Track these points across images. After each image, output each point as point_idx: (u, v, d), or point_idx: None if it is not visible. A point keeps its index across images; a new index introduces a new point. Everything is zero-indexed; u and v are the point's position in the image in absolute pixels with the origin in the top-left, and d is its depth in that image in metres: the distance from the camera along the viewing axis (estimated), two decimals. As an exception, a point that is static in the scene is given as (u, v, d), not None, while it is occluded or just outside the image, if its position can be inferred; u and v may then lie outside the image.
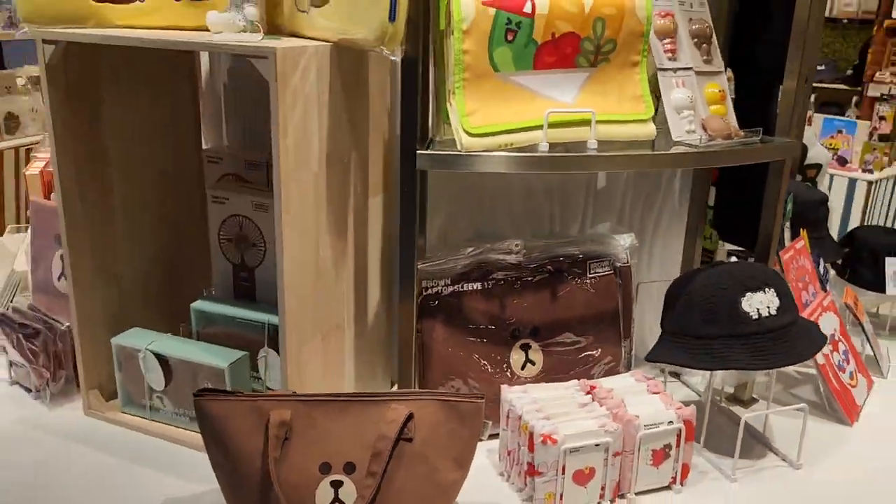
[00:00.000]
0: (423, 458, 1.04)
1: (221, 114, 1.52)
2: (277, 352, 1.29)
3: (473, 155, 1.10)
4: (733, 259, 1.62)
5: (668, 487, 1.22)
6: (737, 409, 1.46)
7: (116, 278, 1.37)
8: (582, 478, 1.14)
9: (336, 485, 1.02)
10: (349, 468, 1.02)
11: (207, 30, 1.27)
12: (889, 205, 3.32)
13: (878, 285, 1.76)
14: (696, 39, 1.30)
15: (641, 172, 1.49)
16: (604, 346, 1.37)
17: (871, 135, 3.12)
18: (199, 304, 1.34)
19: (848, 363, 1.50)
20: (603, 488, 1.16)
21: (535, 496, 1.14)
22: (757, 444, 1.35)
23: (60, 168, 1.23)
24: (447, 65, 1.12)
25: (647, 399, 1.23)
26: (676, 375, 1.57)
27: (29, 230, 1.52)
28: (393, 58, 1.05)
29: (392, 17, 1.01)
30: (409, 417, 1.03)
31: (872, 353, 1.63)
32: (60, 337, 1.37)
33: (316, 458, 1.03)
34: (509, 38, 1.11)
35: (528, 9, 1.11)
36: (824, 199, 1.84)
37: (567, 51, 1.15)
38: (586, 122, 1.16)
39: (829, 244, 1.83)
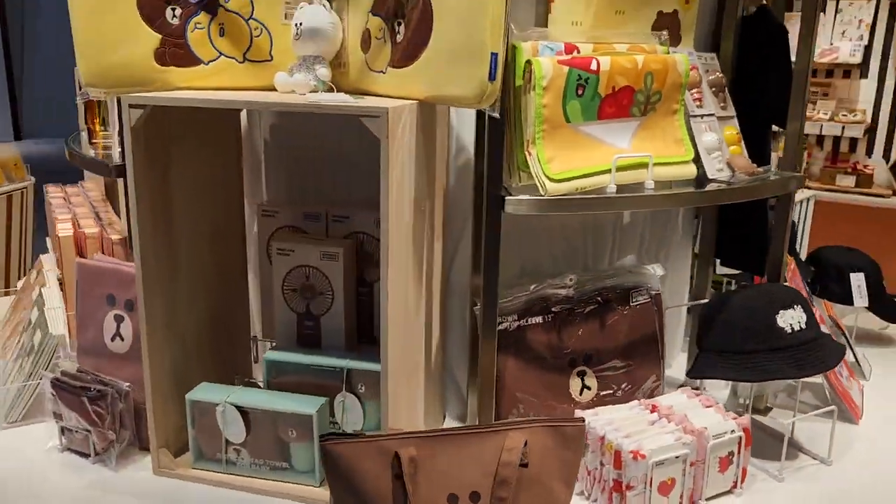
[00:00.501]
0: (539, 481, 1.11)
1: (262, 169, 1.56)
2: (355, 395, 1.34)
3: (556, 198, 1.21)
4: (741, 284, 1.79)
5: (730, 492, 1.34)
6: (758, 418, 1.61)
7: (180, 334, 1.37)
8: (665, 489, 1.25)
9: (464, 514, 1.08)
10: (475, 497, 1.08)
11: (267, 89, 1.33)
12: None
13: (845, 299, 1.98)
14: (713, 88, 1.47)
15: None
16: (648, 367, 1.49)
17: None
18: (271, 355, 1.36)
19: (843, 369, 1.69)
20: (681, 497, 1.27)
21: (626, 509, 1.23)
22: (786, 446, 1.50)
23: (140, 228, 1.24)
24: (526, 118, 1.22)
25: (704, 412, 1.35)
26: (696, 389, 1.71)
27: (73, 291, 1.49)
28: (493, 114, 1.15)
29: (492, 76, 1.11)
30: (525, 444, 1.11)
31: (855, 360, 1.83)
32: (124, 398, 1.36)
33: (443, 491, 1.08)
34: (579, 92, 1.23)
35: (594, 66, 1.23)
36: (792, 224, 2.05)
37: (624, 102, 1.29)
38: (643, 165, 1.30)
39: (799, 264, 2.04)
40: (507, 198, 1.21)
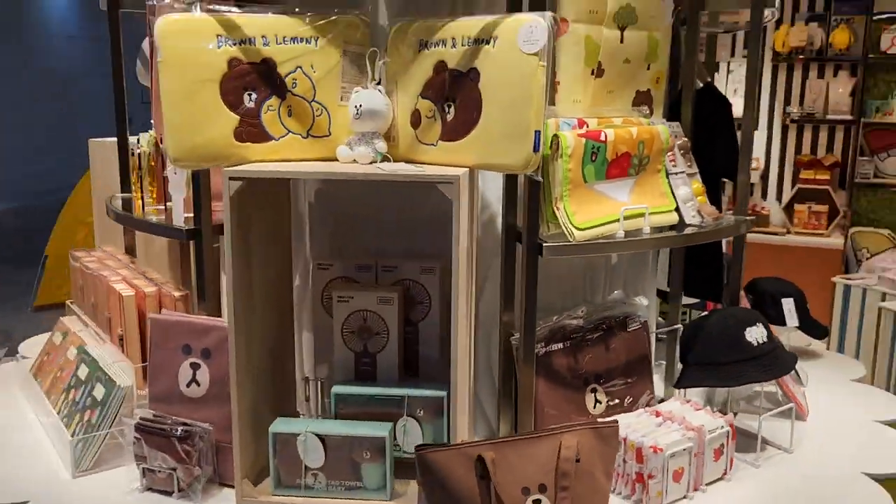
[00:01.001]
0: (589, 473, 1.37)
1: (306, 228, 1.78)
2: (415, 419, 1.57)
3: (581, 243, 1.50)
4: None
5: (721, 478, 1.64)
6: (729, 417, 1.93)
7: (253, 375, 1.56)
8: (677, 476, 1.53)
9: (536, 502, 1.32)
10: (542, 488, 1.33)
11: (326, 159, 1.57)
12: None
13: (779, 321, 2.36)
14: (682, 151, 1.81)
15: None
16: (643, 383, 1.79)
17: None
18: (338, 389, 1.57)
19: (788, 376, 2.04)
20: (688, 483, 1.56)
21: (649, 495, 1.51)
22: (753, 440, 1.82)
23: (235, 285, 1.44)
24: (553, 180, 1.51)
25: (696, 414, 1.66)
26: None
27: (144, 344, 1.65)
28: (536, 178, 1.43)
29: (536, 149, 1.39)
30: (576, 443, 1.37)
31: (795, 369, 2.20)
32: (207, 436, 1.53)
33: (517, 485, 1.32)
34: (593, 158, 1.54)
35: (603, 137, 1.54)
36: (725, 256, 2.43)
37: (624, 165, 1.60)
38: (640, 215, 1.61)
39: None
40: (545, 244, 1.48)
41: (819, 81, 5.39)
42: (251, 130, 1.54)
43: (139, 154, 1.90)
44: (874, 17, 5.05)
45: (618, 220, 1.56)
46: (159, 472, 1.54)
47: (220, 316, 1.71)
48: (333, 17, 1.58)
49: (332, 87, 1.59)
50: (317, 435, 1.50)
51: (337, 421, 1.55)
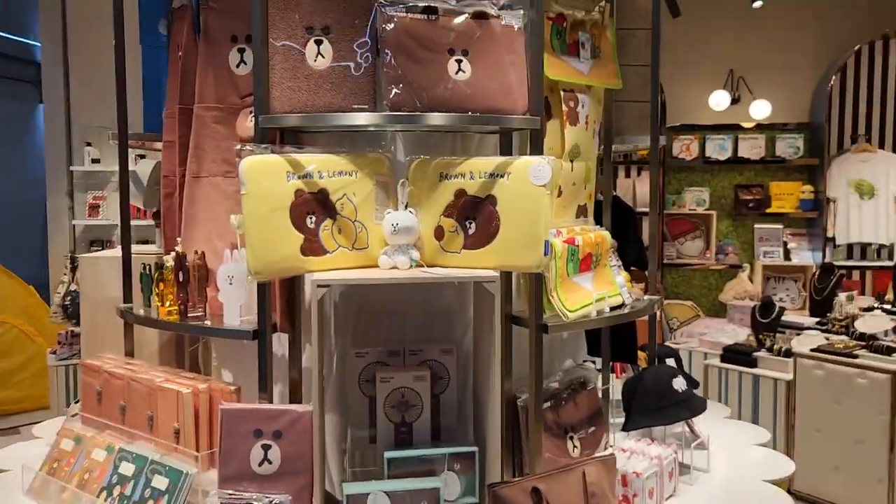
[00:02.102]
0: (605, 495, 1.83)
1: (331, 323, 2.12)
2: (454, 472, 1.94)
3: (573, 322, 2.00)
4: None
5: (673, 494, 2.16)
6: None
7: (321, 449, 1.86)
8: (651, 494, 2.03)
9: (575, 520, 1.75)
10: (577, 509, 1.77)
11: (365, 267, 1.96)
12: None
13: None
14: (613, 249, 2.40)
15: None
16: (601, 428, 2.29)
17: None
18: (390, 454, 1.91)
19: (688, 418, 2.64)
20: (657, 499, 2.06)
21: (635, 511, 1.99)
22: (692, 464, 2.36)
23: (317, 375, 1.76)
24: (549, 275, 2.00)
25: (651, 448, 2.18)
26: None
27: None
28: (546, 273, 1.91)
29: (546, 253, 1.89)
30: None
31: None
32: (288, 505, 1.80)
33: (560, 508, 1.75)
34: (572, 258, 2.06)
35: (577, 242, 2.08)
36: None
37: (588, 262, 2.14)
38: (601, 299, 2.15)
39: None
40: (549, 324, 1.96)
41: (627, 180, 6.48)
42: (312, 246, 1.90)
43: (162, 267, 2.14)
44: (668, 127, 6.24)
45: (591, 304, 2.09)
46: (245, 542, 1.77)
47: (269, 401, 1.98)
48: (366, 155, 2.00)
49: (369, 209, 1.99)
50: (385, 492, 1.82)
51: (393, 481, 1.88)
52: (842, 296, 4.82)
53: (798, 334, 4.53)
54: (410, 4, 1.91)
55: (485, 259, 1.93)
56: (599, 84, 2.32)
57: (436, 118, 1.87)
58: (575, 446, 2.19)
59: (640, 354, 2.72)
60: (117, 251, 2.59)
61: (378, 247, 1.98)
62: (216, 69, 2.12)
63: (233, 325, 2.00)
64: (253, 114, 2.00)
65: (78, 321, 4.70)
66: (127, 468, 1.99)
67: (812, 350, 4.11)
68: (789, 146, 6.39)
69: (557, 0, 2.19)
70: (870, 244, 6.48)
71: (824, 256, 6.23)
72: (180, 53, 2.23)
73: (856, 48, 6.30)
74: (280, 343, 2.18)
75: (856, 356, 3.93)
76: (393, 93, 1.87)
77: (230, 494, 1.81)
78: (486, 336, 1.92)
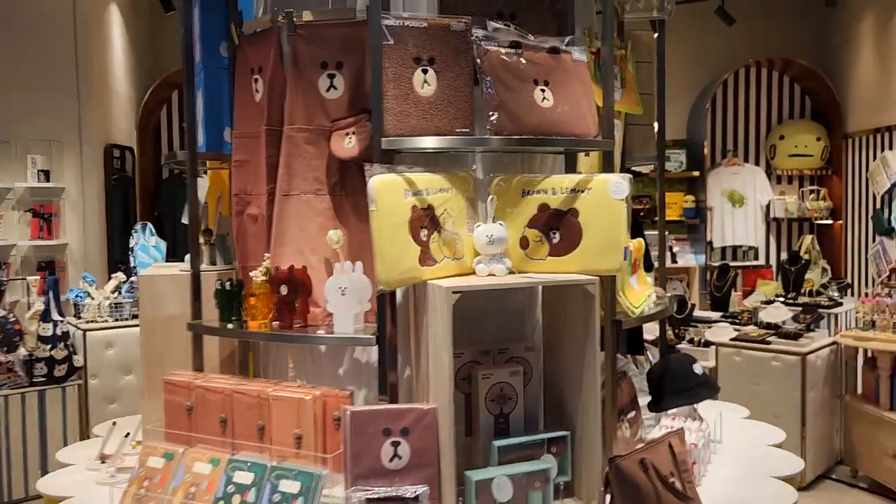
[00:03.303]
0: (685, 462, 2.15)
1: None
2: (552, 455, 2.19)
3: (636, 317, 2.31)
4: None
5: (710, 462, 2.52)
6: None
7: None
8: (694, 465, 2.38)
9: (672, 483, 2.05)
10: (672, 474, 2.07)
11: (461, 275, 2.17)
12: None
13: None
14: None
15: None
16: (639, 412, 2.61)
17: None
18: (499, 443, 2.11)
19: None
20: (701, 465, 2.41)
21: (694, 476, 2.32)
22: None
23: (427, 371, 1.94)
24: (617, 277, 2.30)
25: (687, 424, 2.53)
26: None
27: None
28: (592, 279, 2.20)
29: (625, 258, 2.18)
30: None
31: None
32: (426, 495, 1.96)
33: (664, 473, 2.04)
34: (625, 259, 2.37)
35: (630, 248, 2.39)
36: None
37: (635, 265, 2.46)
38: (650, 296, 2.47)
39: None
40: (623, 320, 2.26)
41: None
42: (426, 257, 2.08)
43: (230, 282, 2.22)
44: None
45: (644, 301, 2.41)
46: (389, 532, 1.91)
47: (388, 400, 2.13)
48: (458, 174, 2.21)
49: (462, 222, 2.20)
50: (507, 476, 2.03)
51: (508, 466, 2.09)
52: (735, 293, 5.51)
53: (709, 327, 5.13)
54: (501, 39, 2.15)
55: (569, 265, 2.19)
56: (626, 110, 2.66)
57: (533, 141, 2.12)
58: (627, 427, 2.49)
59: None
60: (168, 267, 2.60)
61: (469, 256, 2.18)
62: (305, 93, 2.24)
63: (346, 333, 2.12)
64: (351, 135, 2.15)
65: (8, 348, 4.44)
66: (243, 477, 2.05)
67: (731, 339, 4.70)
68: (674, 161, 7.13)
69: (596, 36, 2.51)
70: (740, 246, 7.35)
71: (707, 258, 7.01)
72: (257, 77, 2.32)
73: (725, 76, 7.15)
74: (364, 350, 2.33)
75: (769, 342, 4.55)
76: (495, 118, 2.09)
77: (370, 490, 1.94)
78: (576, 334, 2.18)
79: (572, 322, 2.19)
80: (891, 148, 6.00)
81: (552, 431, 2.19)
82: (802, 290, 5.42)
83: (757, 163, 7.37)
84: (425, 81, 2.10)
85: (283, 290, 2.16)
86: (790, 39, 7.16)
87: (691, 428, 2.45)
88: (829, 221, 7.02)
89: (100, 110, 6.06)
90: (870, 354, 4.43)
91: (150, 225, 5.00)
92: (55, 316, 4.48)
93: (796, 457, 2.62)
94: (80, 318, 4.83)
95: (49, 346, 4.46)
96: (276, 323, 2.23)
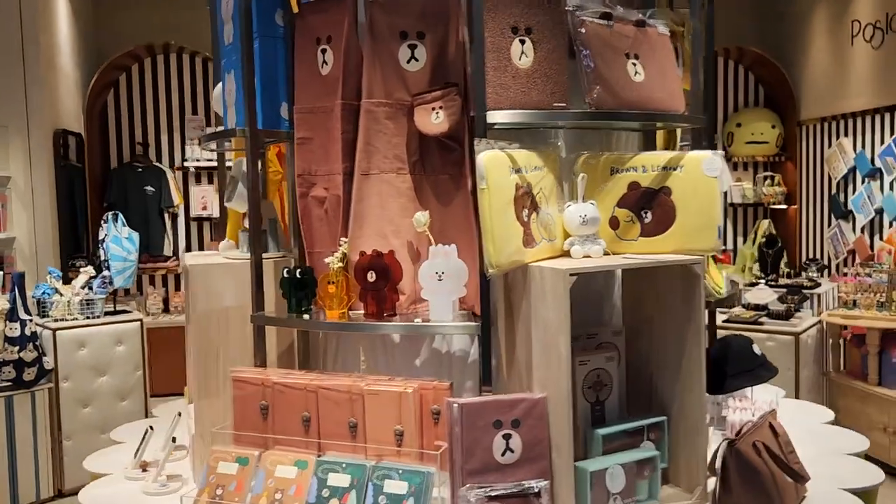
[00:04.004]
0: (787, 437, 2.12)
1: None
2: (650, 441, 2.12)
3: (720, 298, 2.26)
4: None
5: (776, 443, 2.51)
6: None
7: (550, 434, 1.94)
8: (781, 442, 2.36)
9: (781, 459, 2.02)
10: (778, 450, 2.03)
11: (558, 256, 2.07)
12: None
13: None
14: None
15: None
16: (704, 394, 2.58)
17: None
18: (601, 431, 2.02)
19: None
20: (780, 446, 2.39)
21: (777, 457, 2.30)
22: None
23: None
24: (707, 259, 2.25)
25: (756, 404, 2.51)
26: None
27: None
28: (719, 256, 2.15)
29: (720, 237, 2.13)
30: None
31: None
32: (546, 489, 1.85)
33: (774, 451, 2.00)
34: (709, 242, 2.33)
35: (709, 228, 2.34)
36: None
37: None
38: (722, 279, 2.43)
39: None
40: (711, 301, 2.21)
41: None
42: (528, 238, 1.96)
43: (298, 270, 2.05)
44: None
45: (722, 282, 2.37)
46: (510, 530, 1.80)
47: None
48: (547, 151, 2.10)
49: (554, 201, 2.09)
50: (620, 465, 1.95)
51: (617, 454, 2.00)
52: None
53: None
54: (591, 10, 2.05)
55: (662, 245, 2.12)
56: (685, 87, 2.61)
57: (627, 116, 2.04)
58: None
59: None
60: (206, 255, 2.39)
61: (560, 238, 2.08)
62: (384, 65, 2.08)
63: (444, 320, 1.98)
64: (438, 109, 2.02)
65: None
66: (340, 479, 1.90)
67: (724, 321, 4.77)
68: (638, 147, 7.17)
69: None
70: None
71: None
72: (324, 48, 2.14)
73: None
74: (444, 340, 2.20)
75: (762, 323, 4.64)
76: (596, 92, 2.00)
77: (488, 486, 1.82)
78: (673, 316, 2.10)
79: (668, 303, 2.12)
80: (846, 135, 6.24)
81: (645, 418, 2.11)
82: (780, 272, 5.57)
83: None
84: (523, 53, 1.98)
85: (371, 276, 2.00)
86: (744, 28, 7.34)
87: (763, 408, 2.43)
88: (784, 206, 7.25)
89: (48, 93, 5.61)
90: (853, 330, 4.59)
91: (121, 215, 4.66)
92: (22, 315, 4.11)
93: (858, 433, 2.64)
94: (45, 316, 4.45)
95: (17, 348, 4.09)
96: (351, 312, 2.07)
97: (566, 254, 2.07)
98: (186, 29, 6.69)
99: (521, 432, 1.91)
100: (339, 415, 1.97)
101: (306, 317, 2.11)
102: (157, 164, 6.74)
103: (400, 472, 1.87)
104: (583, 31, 2.01)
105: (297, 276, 2.12)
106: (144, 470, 2.34)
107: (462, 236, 2.06)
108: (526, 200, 1.96)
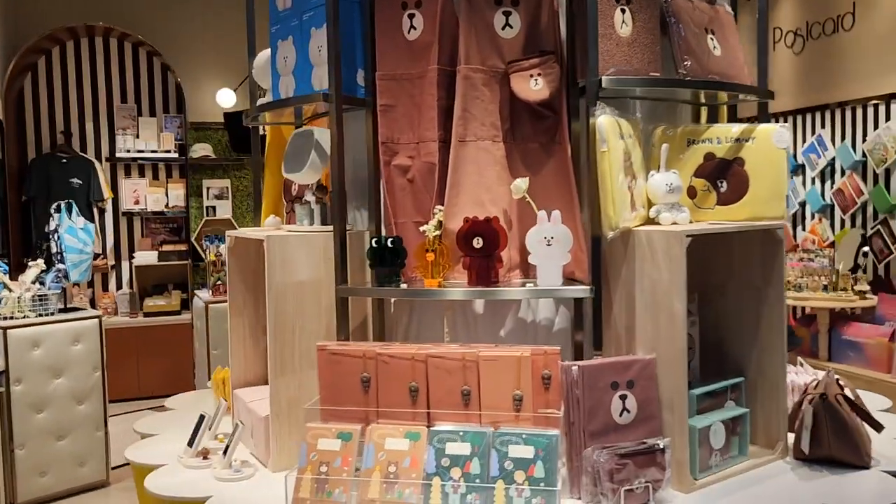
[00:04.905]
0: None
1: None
2: (732, 400, 2.20)
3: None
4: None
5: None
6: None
7: (657, 395, 1.98)
8: (824, 401, 2.51)
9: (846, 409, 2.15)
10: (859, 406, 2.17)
11: (647, 223, 2.13)
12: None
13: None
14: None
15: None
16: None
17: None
18: (695, 391, 2.08)
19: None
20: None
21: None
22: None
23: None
24: (761, 227, 2.36)
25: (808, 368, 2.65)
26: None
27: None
28: (787, 224, 2.25)
29: (788, 206, 2.24)
30: (840, 380, 2.24)
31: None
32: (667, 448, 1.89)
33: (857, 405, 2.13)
34: (763, 213, 2.44)
35: (761, 200, 2.46)
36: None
37: (756, 218, 2.54)
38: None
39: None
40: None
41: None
42: (633, 204, 2.00)
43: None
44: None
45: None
46: (637, 489, 1.82)
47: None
48: (635, 120, 2.15)
49: (640, 170, 2.14)
50: (720, 422, 2.01)
51: (710, 414, 2.07)
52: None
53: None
54: (670, -16, 2.12)
55: (737, 213, 2.22)
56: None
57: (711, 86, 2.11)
58: (745, 376, 2.56)
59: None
60: (294, 228, 2.28)
61: (642, 205, 2.14)
62: (479, 31, 2.06)
63: (554, 285, 1.98)
64: (536, 76, 2.02)
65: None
66: (459, 448, 1.85)
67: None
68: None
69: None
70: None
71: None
72: (412, 13, 2.09)
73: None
74: (529, 308, 2.20)
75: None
76: (689, 63, 2.06)
77: (615, 445, 1.84)
78: (749, 280, 2.19)
79: (744, 269, 2.21)
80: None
81: (725, 379, 2.19)
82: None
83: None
84: (624, 21, 2.02)
85: (477, 242, 1.97)
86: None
87: (801, 371, 2.57)
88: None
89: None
90: (808, 311, 4.92)
91: (74, 205, 4.33)
92: (-32, 313, 3.75)
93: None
94: (-9, 314, 4.06)
95: (-35, 349, 3.72)
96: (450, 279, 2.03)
97: (652, 221, 2.12)
98: (115, 11, 6.31)
99: (634, 393, 1.94)
100: (452, 383, 1.93)
101: (404, 285, 2.05)
102: (83, 154, 6.30)
103: (524, 437, 1.85)
104: (672, 3, 2.07)
105: (389, 245, 2.05)
106: (205, 458, 2.19)
107: (554, 204, 2.06)
108: (627, 167, 2.00)
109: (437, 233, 2.02)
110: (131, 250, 6.51)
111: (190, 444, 2.24)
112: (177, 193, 6.51)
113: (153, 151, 6.40)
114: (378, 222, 2.20)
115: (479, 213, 2.04)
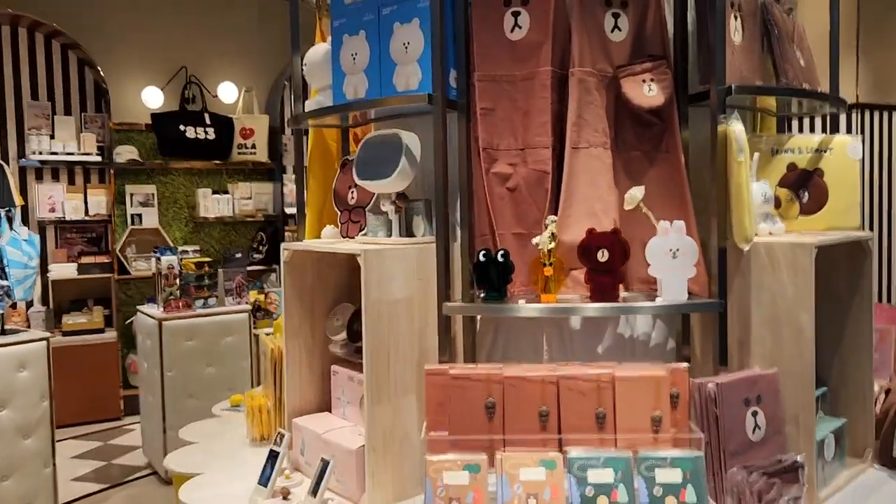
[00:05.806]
0: (913, 402, 2.33)
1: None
2: (824, 412, 2.21)
3: (843, 274, 2.43)
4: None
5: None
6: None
7: (776, 408, 1.95)
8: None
9: (932, 422, 2.21)
10: (926, 413, 2.23)
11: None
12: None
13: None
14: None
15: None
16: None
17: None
18: (798, 403, 2.07)
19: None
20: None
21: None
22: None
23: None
24: (827, 237, 2.39)
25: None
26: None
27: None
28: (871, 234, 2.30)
29: (861, 216, 2.28)
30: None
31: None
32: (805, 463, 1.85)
33: (927, 414, 2.19)
34: (822, 223, 2.48)
35: (818, 210, 2.50)
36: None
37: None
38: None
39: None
40: (845, 276, 2.36)
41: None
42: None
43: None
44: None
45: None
46: None
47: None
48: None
49: (740, 180, 2.11)
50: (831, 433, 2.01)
51: (821, 424, 2.06)
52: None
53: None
54: (770, -5, 2.11)
55: (817, 223, 2.23)
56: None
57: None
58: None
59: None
60: (375, 240, 2.07)
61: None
62: (590, 32, 1.95)
63: (680, 299, 1.90)
64: (649, 82, 1.95)
65: None
66: (602, 475, 1.74)
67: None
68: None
69: None
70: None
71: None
72: (517, 10, 1.96)
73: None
74: (627, 323, 2.12)
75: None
76: (790, 72, 2.05)
77: (751, 465, 1.78)
78: (836, 291, 2.21)
79: (830, 280, 2.23)
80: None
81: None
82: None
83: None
84: (736, 28, 1.98)
85: (602, 255, 1.87)
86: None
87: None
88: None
89: None
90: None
91: (16, 213, 3.84)
92: None
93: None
94: (-81, 339, 3.53)
95: None
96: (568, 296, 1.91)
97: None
98: (27, -1, 5.71)
99: (763, 408, 1.89)
100: (585, 406, 1.81)
101: (522, 302, 1.90)
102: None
103: (669, 460, 1.76)
104: (771, 12, 2.06)
105: (499, 258, 1.91)
106: (286, 498, 1.96)
107: (662, 215, 1.99)
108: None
109: (552, 245, 1.90)
110: (44, 263, 5.89)
111: (264, 483, 1.99)
112: (98, 200, 5.96)
113: (70, 154, 5.82)
114: (472, 234, 2.05)
115: (593, 224, 1.94)
